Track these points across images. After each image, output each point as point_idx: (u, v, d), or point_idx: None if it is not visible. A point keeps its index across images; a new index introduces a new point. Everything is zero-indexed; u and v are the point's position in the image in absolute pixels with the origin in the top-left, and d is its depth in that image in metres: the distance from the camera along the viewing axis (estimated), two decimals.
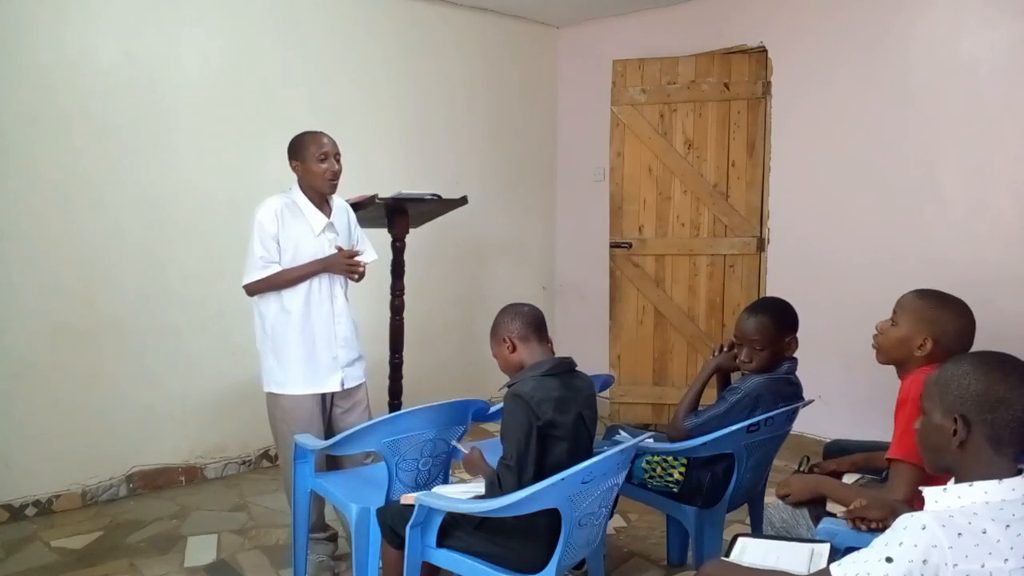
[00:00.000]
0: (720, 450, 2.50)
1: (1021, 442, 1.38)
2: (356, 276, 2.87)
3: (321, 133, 2.81)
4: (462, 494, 2.17)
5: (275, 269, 2.73)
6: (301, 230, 2.77)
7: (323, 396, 2.86)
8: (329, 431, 2.88)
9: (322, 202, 2.84)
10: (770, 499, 2.49)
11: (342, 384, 2.86)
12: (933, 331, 2.01)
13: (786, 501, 2.17)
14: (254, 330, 2.87)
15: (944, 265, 3.68)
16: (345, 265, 2.81)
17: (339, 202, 2.94)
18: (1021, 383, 1.38)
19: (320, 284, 2.81)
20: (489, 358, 2.33)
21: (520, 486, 1.97)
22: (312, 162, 2.75)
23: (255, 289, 2.76)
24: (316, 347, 2.80)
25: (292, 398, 2.79)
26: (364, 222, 3.16)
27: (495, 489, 2.04)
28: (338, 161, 2.80)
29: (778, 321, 2.57)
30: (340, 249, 2.82)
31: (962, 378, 1.41)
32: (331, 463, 2.90)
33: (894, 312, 2.14)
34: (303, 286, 2.77)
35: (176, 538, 3.21)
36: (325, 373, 2.82)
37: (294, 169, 2.81)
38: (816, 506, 2.18)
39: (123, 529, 3.29)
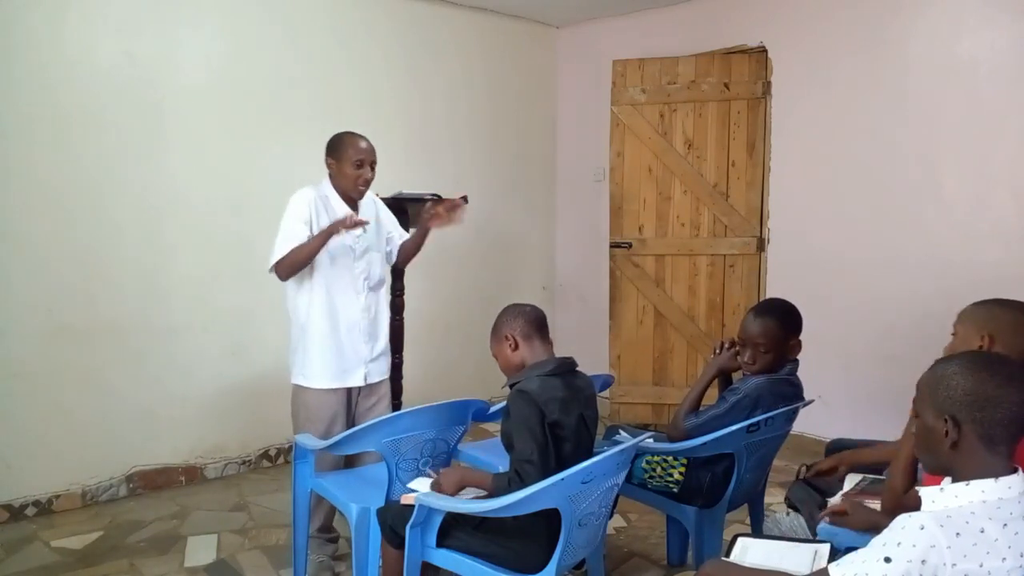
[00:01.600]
0: (720, 450, 2.50)
1: (1014, 439, 1.38)
2: (347, 227, 2.69)
3: (362, 137, 2.80)
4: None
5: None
6: (329, 222, 2.75)
7: (348, 393, 2.87)
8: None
9: (350, 200, 2.84)
10: (779, 506, 2.47)
11: (365, 379, 2.87)
12: (989, 328, 1.98)
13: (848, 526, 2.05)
14: (290, 325, 2.89)
15: (944, 265, 3.68)
16: (345, 221, 2.68)
17: (367, 195, 2.93)
18: (1008, 381, 1.37)
19: (345, 280, 2.82)
20: (490, 358, 2.33)
21: (544, 479, 1.94)
22: (347, 165, 2.75)
23: (280, 270, 2.73)
24: (342, 342, 2.81)
25: (317, 395, 2.81)
26: None
27: (516, 487, 1.98)
28: (372, 169, 2.80)
29: (784, 324, 2.57)
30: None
31: (950, 379, 1.40)
32: (348, 462, 2.91)
33: (953, 327, 2.11)
34: (328, 282, 2.78)
35: (176, 538, 3.21)
36: (351, 368, 2.84)
37: (328, 165, 2.81)
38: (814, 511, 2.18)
39: (123, 529, 3.29)
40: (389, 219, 3.07)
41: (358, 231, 2.78)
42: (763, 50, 4.36)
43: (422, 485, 2.22)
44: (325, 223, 2.73)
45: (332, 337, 2.80)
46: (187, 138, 3.73)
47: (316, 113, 4.06)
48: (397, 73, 4.48)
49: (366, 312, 2.88)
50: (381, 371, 2.95)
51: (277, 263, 2.72)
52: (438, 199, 3.43)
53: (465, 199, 3.56)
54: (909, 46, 3.79)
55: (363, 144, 2.78)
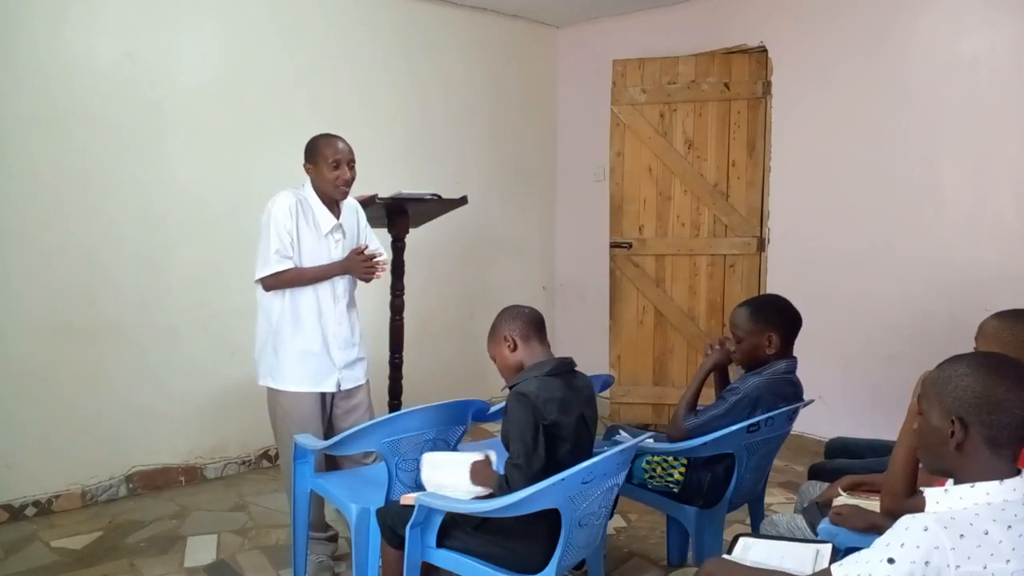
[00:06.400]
0: (720, 450, 2.51)
1: (1019, 442, 1.37)
2: (374, 277, 2.86)
3: (336, 138, 2.79)
4: (465, 493, 2.16)
5: (290, 264, 2.72)
6: (309, 229, 2.77)
7: (323, 396, 2.85)
8: (329, 433, 2.87)
9: (332, 203, 2.84)
10: (779, 506, 2.46)
11: (338, 386, 2.85)
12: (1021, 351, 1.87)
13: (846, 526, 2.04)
14: (256, 323, 2.87)
15: (944, 265, 3.68)
16: (363, 267, 2.82)
17: (350, 202, 2.93)
18: (1018, 384, 1.36)
19: (327, 285, 2.81)
20: (490, 358, 2.32)
21: (531, 484, 1.95)
22: (324, 168, 2.74)
23: (271, 284, 2.75)
24: (315, 347, 2.80)
25: (290, 395, 2.79)
26: None
27: (504, 491, 2.01)
28: (351, 168, 2.79)
29: (755, 315, 2.58)
30: (360, 252, 2.82)
31: (959, 380, 1.39)
32: (330, 464, 2.90)
33: (975, 340, 2.07)
34: (311, 286, 2.78)
35: (176, 538, 3.21)
36: (323, 374, 2.82)
37: (307, 171, 2.80)
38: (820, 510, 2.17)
39: (123, 529, 3.29)
40: (368, 229, 3.04)
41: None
42: (763, 50, 4.36)
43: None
44: (305, 230, 2.75)
45: (307, 343, 2.78)
46: (187, 138, 3.72)
47: (316, 113, 4.05)
48: (397, 73, 4.48)
49: (345, 319, 2.87)
50: (356, 377, 2.92)
51: (270, 278, 2.72)
52: (438, 198, 3.43)
53: (464, 200, 3.57)
54: (909, 46, 3.79)
55: (339, 144, 2.77)
